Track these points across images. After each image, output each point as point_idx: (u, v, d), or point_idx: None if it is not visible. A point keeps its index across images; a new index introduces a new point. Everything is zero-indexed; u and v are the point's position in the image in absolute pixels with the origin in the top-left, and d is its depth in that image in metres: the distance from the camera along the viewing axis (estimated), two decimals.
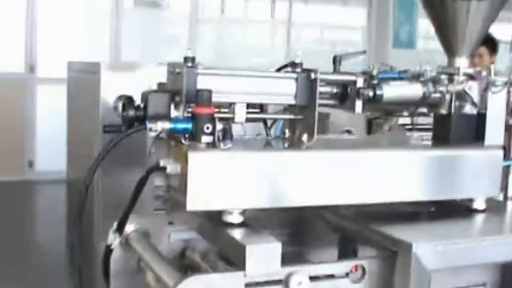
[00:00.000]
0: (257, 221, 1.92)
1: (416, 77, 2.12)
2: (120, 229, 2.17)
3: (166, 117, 1.87)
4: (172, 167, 1.90)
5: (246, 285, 1.71)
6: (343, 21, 10.08)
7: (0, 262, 5.50)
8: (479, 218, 2.09)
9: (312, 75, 1.98)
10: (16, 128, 8.84)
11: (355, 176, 1.92)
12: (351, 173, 1.92)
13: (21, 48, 8.87)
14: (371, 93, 2.02)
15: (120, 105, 2.00)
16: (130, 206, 2.11)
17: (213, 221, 1.91)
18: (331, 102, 2.09)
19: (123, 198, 4.48)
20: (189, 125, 1.82)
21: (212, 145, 1.82)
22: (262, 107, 2.10)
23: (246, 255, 1.69)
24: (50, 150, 8.54)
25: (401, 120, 2.53)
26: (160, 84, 2.06)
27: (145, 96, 1.91)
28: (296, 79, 2.01)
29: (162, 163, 1.95)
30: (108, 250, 2.21)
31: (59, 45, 8.77)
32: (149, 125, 1.82)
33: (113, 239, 2.18)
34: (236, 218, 1.84)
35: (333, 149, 1.99)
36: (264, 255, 1.71)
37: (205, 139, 1.81)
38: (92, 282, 3.68)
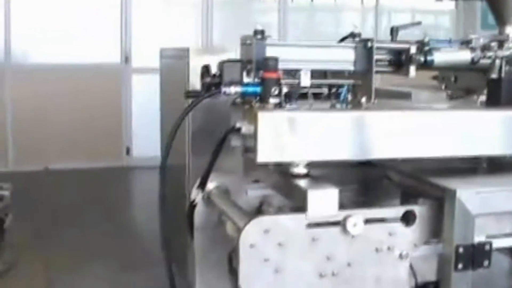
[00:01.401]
0: (323, 176, 2.17)
1: (465, 44, 2.32)
2: (202, 186, 2.46)
3: (238, 82, 2.15)
4: (246, 128, 2.18)
5: (308, 225, 1.96)
6: (432, 5, 10.09)
7: (102, 240, 5.91)
8: None
9: (369, 44, 2.22)
10: (114, 117, 9.26)
11: (407, 133, 2.15)
12: (402, 131, 2.14)
13: (117, 39, 9.27)
14: (422, 58, 2.24)
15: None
16: (211, 165, 2.39)
17: (284, 174, 2.17)
18: (388, 69, 2.32)
19: None
20: (257, 89, 2.09)
21: (279, 106, 2.08)
22: (326, 76, 2.36)
23: (308, 199, 1.94)
24: (146, 137, 8.97)
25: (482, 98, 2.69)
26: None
27: (220, 65, 2.18)
28: (355, 48, 2.25)
29: (238, 124, 2.23)
30: (192, 206, 2.51)
31: (152, 36, 9.13)
32: (223, 89, 2.10)
33: (196, 195, 2.47)
34: (301, 170, 2.09)
35: (386, 110, 2.22)
36: (323, 199, 1.96)
37: (273, 100, 2.08)
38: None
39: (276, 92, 2.07)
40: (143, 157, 9.12)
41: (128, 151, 9.58)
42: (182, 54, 4.94)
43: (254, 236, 1.91)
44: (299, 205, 2.02)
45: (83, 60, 8.94)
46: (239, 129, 2.22)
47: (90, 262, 5.25)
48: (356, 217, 1.97)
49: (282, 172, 2.20)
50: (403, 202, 2.34)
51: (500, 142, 2.25)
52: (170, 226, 5.49)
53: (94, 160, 8.83)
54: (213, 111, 4.90)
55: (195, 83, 4.81)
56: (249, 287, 1.94)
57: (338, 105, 2.28)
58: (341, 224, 1.98)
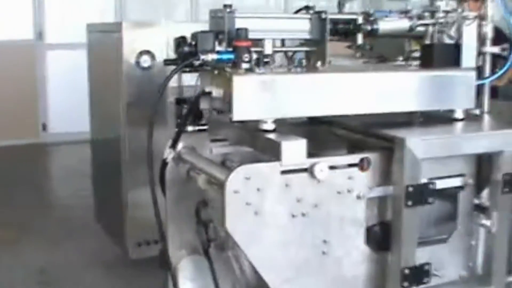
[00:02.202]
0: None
1: (404, 13, 2.68)
2: (173, 146, 2.72)
3: (212, 51, 2.42)
4: (216, 91, 2.47)
5: (281, 172, 2.27)
6: None
7: (27, 217, 6.06)
8: (459, 124, 2.65)
9: (323, 15, 2.54)
10: (29, 94, 9.27)
11: (357, 92, 2.49)
12: (353, 90, 2.48)
13: (29, 15, 9.24)
14: (369, 27, 2.59)
15: (173, 44, 2.52)
16: (182, 126, 2.66)
17: (250, 131, 2.47)
18: (337, 37, 2.65)
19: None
20: (232, 56, 2.38)
21: (250, 71, 2.38)
22: (283, 43, 2.67)
23: (282, 149, 2.25)
24: (62, 113, 9.05)
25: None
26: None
27: (195, 35, 2.44)
28: (310, 19, 2.57)
29: (207, 89, 2.51)
30: (164, 164, 2.78)
31: (66, 11, 9.17)
32: (202, 56, 2.37)
33: (168, 154, 2.74)
34: (270, 126, 2.40)
35: (340, 72, 2.55)
36: (294, 148, 2.27)
37: (245, 65, 2.37)
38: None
39: (247, 59, 2.36)
40: (60, 133, 9.20)
41: (44, 127, 9.62)
42: (114, 29, 5.12)
43: (237, 183, 2.20)
44: (269, 156, 2.32)
45: None
46: (208, 93, 2.50)
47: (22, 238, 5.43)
48: (322, 164, 2.29)
49: (246, 129, 2.50)
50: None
51: (432, 98, 2.62)
52: (107, 199, 5.70)
53: (10, 137, 8.84)
54: (146, 82, 5.14)
55: (129, 57, 5.04)
56: (233, 229, 2.22)
57: (296, 69, 2.59)
58: (309, 170, 2.30)
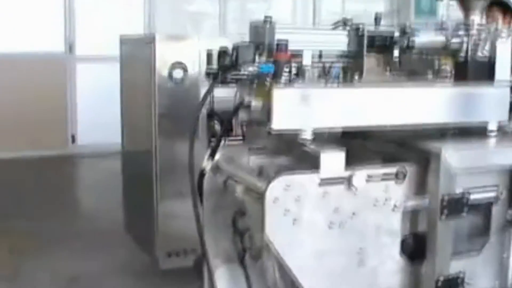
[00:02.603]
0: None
1: (439, 28, 2.73)
2: (212, 155, 2.79)
3: (252, 62, 2.49)
4: (255, 103, 2.53)
5: (320, 182, 2.33)
6: None
7: (56, 227, 6.15)
8: (493, 137, 2.69)
9: (361, 29, 2.61)
10: (59, 106, 9.37)
11: (395, 105, 2.54)
12: (392, 103, 2.54)
13: (60, 28, 9.37)
14: (405, 41, 2.64)
15: (214, 55, 2.59)
16: (222, 135, 2.73)
17: (288, 141, 2.53)
18: (375, 50, 2.70)
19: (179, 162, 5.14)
20: (272, 68, 2.44)
21: (289, 83, 2.44)
22: (320, 56, 2.73)
23: (321, 160, 2.31)
24: (91, 125, 9.16)
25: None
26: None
27: (235, 48, 2.51)
28: (348, 33, 2.63)
29: (246, 100, 2.58)
30: (202, 174, 2.84)
31: (96, 24, 9.29)
32: (242, 68, 2.44)
33: (207, 164, 2.80)
34: (309, 135, 2.45)
35: (377, 87, 2.61)
36: (332, 159, 2.32)
37: (284, 78, 2.43)
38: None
39: (287, 71, 2.42)
40: (89, 145, 9.30)
41: (73, 139, 9.72)
42: (148, 41, 5.21)
43: (277, 191, 2.26)
44: (307, 166, 2.37)
45: (27, 49, 9.01)
46: (247, 105, 2.57)
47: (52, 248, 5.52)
48: (360, 175, 2.35)
49: (285, 139, 2.56)
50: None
51: (467, 112, 2.67)
52: (137, 210, 5.77)
53: (39, 148, 8.94)
54: (178, 94, 5.22)
55: (162, 69, 5.13)
56: (273, 236, 2.28)
57: (333, 83, 2.65)
58: (346, 181, 2.35)
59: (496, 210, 2.61)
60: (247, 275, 2.84)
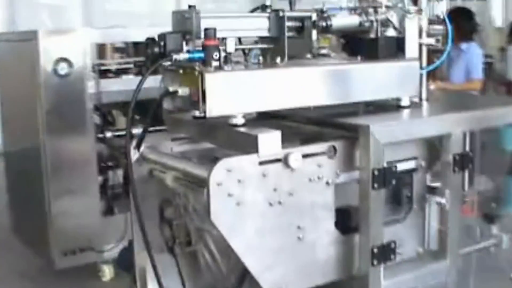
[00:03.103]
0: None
1: (353, 10, 2.85)
2: (138, 147, 2.77)
3: (181, 50, 2.50)
4: (182, 90, 2.54)
5: (259, 163, 2.38)
6: None
7: None
8: (407, 111, 2.84)
9: (280, 13, 2.67)
10: None
11: (316, 84, 2.63)
12: (313, 83, 2.62)
13: None
14: (324, 24, 2.73)
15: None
16: (147, 128, 2.72)
17: (218, 127, 2.57)
18: (294, 33, 2.77)
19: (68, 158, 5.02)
20: (202, 54, 2.46)
21: (219, 68, 2.47)
22: (240, 41, 2.77)
23: (259, 141, 2.36)
24: None
25: None
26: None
27: (163, 36, 2.50)
28: (269, 17, 2.69)
29: (171, 89, 2.58)
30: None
31: None
32: (174, 56, 2.44)
33: (133, 155, 2.78)
34: (241, 120, 2.50)
35: (298, 67, 2.69)
36: (270, 140, 2.38)
37: (214, 63, 2.46)
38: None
39: (217, 57, 2.45)
40: None
41: None
42: (29, 37, 5.07)
43: (220, 175, 2.29)
44: (243, 149, 2.42)
45: None
46: (172, 92, 2.58)
47: None
48: (296, 153, 2.42)
49: (215, 125, 2.59)
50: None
51: (382, 88, 2.80)
52: (26, 210, 5.60)
53: None
54: (64, 89, 5.12)
55: (46, 65, 5.00)
56: (218, 220, 2.31)
57: (259, 65, 2.70)
58: (283, 160, 2.41)
59: (416, 179, 2.75)
60: (177, 263, 2.84)
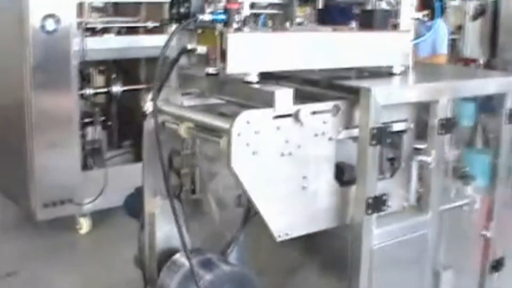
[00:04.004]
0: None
1: None
2: (154, 98, 2.99)
3: (203, 11, 2.73)
4: (200, 49, 2.79)
5: (274, 117, 2.64)
6: None
7: None
8: (399, 77, 3.12)
9: None
10: None
11: (325, 48, 2.90)
12: (323, 47, 2.89)
13: None
14: None
15: None
16: (164, 80, 2.94)
17: (232, 83, 2.82)
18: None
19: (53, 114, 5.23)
20: (224, 16, 2.70)
21: (239, 30, 2.71)
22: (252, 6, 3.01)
23: (275, 97, 2.62)
24: None
25: None
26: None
27: None
28: None
29: (189, 46, 2.82)
30: (143, 115, 3.04)
31: None
32: (200, 16, 2.67)
33: (150, 106, 3.00)
34: (255, 78, 2.75)
35: (308, 31, 2.95)
36: (284, 96, 2.64)
37: (235, 25, 2.71)
38: None
39: (238, 19, 2.70)
40: None
41: None
42: None
43: (240, 126, 2.54)
44: (258, 104, 2.67)
45: None
46: (191, 50, 2.82)
47: None
48: (306, 110, 2.68)
49: (230, 82, 2.84)
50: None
51: (378, 55, 3.08)
52: (7, 163, 5.77)
53: None
54: (51, 46, 5.29)
55: (34, 21, 5.15)
56: (237, 166, 2.56)
57: (269, 29, 2.95)
58: (294, 115, 2.68)
59: (406, 140, 3.05)
60: (183, 209, 3.09)
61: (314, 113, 2.72)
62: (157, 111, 2.77)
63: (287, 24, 2.96)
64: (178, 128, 2.92)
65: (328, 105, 2.78)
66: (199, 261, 2.95)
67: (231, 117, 2.62)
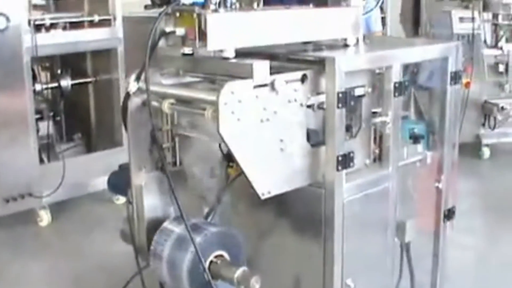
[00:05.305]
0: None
1: None
2: (138, 78, 3.23)
3: None
4: (179, 30, 3.07)
5: (254, 86, 2.94)
6: None
7: None
8: (354, 48, 3.47)
9: None
10: None
11: (291, 25, 3.22)
12: (288, 23, 3.21)
13: None
14: None
15: None
16: (148, 60, 3.18)
17: (209, 60, 3.11)
18: None
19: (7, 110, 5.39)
20: None
21: (215, 11, 3.00)
22: None
23: (254, 69, 2.91)
24: None
25: None
26: None
27: None
28: None
29: (167, 29, 3.10)
30: (127, 95, 3.28)
31: None
32: (182, 0, 2.94)
33: (134, 86, 3.24)
34: (232, 54, 3.04)
35: (275, 10, 3.26)
36: (262, 68, 2.94)
37: (212, 7, 2.99)
38: None
39: (215, 1, 2.99)
40: None
41: None
42: None
43: (226, 96, 2.83)
44: (237, 76, 2.96)
45: None
46: (170, 33, 3.09)
47: None
48: (280, 79, 2.99)
49: (204, 59, 3.12)
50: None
51: (334, 28, 3.42)
52: None
53: None
54: (1, 43, 5.44)
55: None
56: (225, 132, 2.85)
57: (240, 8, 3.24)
58: (270, 85, 2.98)
59: (365, 104, 3.39)
60: (168, 179, 3.31)
61: (286, 82, 3.02)
62: (149, 90, 3.01)
63: (255, 4, 3.26)
64: (161, 105, 3.17)
65: (298, 74, 3.09)
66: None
67: (213, 90, 2.90)
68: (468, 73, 6.89)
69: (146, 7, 3.12)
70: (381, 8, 7.83)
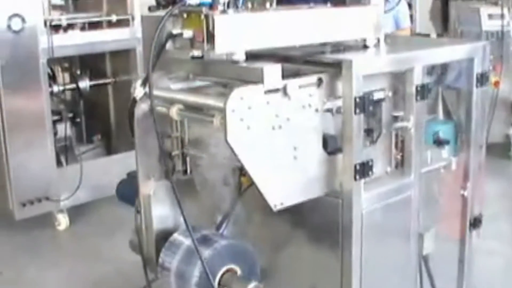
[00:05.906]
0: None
1: None
2: (145, 83, 3.09)
3: None
4: (186, 32, 2.90)
5: (264, 92, 2.77)
6: None
7: None
8: (374, 49, 3.28)
9: None
10: None
11: (308, 25, 3.04)
12: (304, 24, 3.03)
13: None
14: None
15: None
16: (153, 65, 3.03)
17: (219, 64, 2.94)
18: None
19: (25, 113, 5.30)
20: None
21: (224, 12, 2.83)
22: None
23: (264, 73, 2.74)
24: None
25: None
26: None
27: None
28: None
29: (174, 31, 2.93)
30: (134, 101, 3.14)
31: None
32: (187, 1, 2.78)
33: (140, 92, 3.09)
34: (242, 56, 2.87)
35: (288, 10, 3.09)
36: (273, 72, 2.77)
37: (220, 7, 2.82)
38: None
39: (223, 1, 2.82)
40: None
41: None
42: None
43: (234, 103, 2.66)
44: (252, 78, 2.78)
45: None
46: (177, 35, 2.93)
47: None
48: (293, 84, 2.82)
49: (214, 62, 2.96)
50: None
51: (353, 29, 3.23)
52: None
53: None
54: (18, 45, 5.34)
55: (0, 20, 5.18)
56: (233, 140, 2.68)
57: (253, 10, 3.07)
58: (282, 89, 2.81)
59: (385, 107, 3.21)
60: (174, 188, 3.16)
61: (300, 86, 2.85)
62: (153, 95, 2.86)
63: (267, 4, 3.08)
64: (168, 111, 3.02)
65: (313, 78, 2.92)
66: (197, 238, 3.05)
67: (222, 96, 2.74)
68: (497, 72, 6.62)
69: (150, 8, 2.94)
70: (409, 5, 7.59)
